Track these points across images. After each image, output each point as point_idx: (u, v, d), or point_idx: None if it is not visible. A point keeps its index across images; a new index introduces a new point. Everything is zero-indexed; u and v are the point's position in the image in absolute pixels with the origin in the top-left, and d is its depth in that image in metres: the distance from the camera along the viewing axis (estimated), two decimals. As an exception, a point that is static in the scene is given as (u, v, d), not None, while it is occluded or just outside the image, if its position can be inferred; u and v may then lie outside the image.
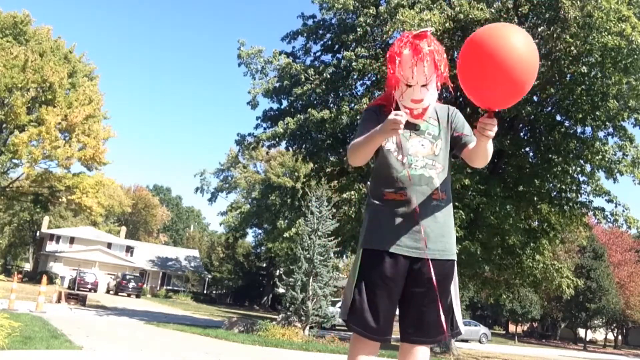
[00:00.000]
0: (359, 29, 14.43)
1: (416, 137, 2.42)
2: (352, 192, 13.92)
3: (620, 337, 49.42)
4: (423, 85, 2.33)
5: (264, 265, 47.73)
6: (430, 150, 2.41)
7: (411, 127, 2.41)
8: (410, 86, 2.33)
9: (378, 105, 2.54)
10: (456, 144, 2.48)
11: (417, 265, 2.30)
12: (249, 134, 16.73)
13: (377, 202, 2.40)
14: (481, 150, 2.33)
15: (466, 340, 25.93)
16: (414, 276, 2.31)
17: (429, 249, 2.31)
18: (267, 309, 40.80)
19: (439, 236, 2.35)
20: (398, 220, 2.33)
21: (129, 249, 48.31)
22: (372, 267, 2.32)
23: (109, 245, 46.54)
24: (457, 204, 11.90)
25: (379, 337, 2.32)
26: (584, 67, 12.43)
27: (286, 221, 28.27)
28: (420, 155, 2.38)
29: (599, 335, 50.48)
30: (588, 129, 14.14)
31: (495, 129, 2.19)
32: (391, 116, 2.15)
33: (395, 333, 2.28)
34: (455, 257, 2.41)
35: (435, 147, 2.42)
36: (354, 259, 2.45)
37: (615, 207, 13.78)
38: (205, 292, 49.21)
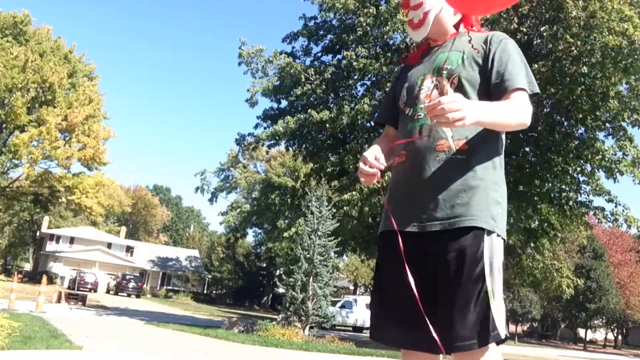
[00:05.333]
0: (359, 29, 14.42)
1: (430, 77, 1.84)
2: (354, 193, 13.90)
3: (620, 337, 49.39)
4: None
5: (264, 265, 47.73)
6: (439, 91, 1.79)
7: (423, 60, 1.91)
8: None
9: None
10: (494, 90, 1.79)
11: (429, 243, 1.74)
12: (249, 134, 16.75)
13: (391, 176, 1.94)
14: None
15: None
16: (428, 258, 1.74)
17: (434, 218, 1.73)
18: (267, 309, 40.78)
19: (447, 199, 1.73)
20: (400, 188, 1.85)
21: (129, 249, 48.32)
22: (386, 256, 1.85)
23: (109, 245, 46.55)
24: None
25: (418, 347, 1.74)
26: (584, 67, 12.41)
27: (286, 221, 28.29)
28: (428, 100, 1.77)
29: (599, 335, 50.46)
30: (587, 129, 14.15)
31: (457, 106, 1.53)
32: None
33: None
34: (483, 225, 1.70)
35: (446, 85, 1.79)
36: None
37: (615, 206, 13.80)
38: (205, 292, 49.21)
